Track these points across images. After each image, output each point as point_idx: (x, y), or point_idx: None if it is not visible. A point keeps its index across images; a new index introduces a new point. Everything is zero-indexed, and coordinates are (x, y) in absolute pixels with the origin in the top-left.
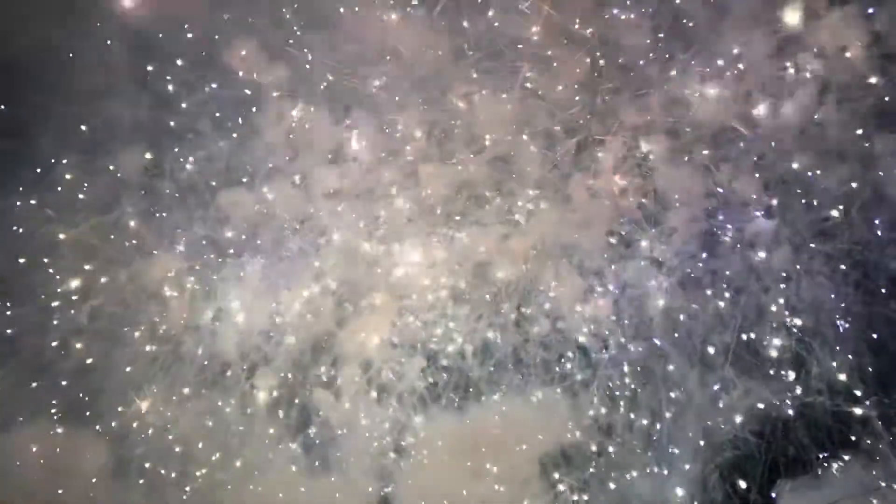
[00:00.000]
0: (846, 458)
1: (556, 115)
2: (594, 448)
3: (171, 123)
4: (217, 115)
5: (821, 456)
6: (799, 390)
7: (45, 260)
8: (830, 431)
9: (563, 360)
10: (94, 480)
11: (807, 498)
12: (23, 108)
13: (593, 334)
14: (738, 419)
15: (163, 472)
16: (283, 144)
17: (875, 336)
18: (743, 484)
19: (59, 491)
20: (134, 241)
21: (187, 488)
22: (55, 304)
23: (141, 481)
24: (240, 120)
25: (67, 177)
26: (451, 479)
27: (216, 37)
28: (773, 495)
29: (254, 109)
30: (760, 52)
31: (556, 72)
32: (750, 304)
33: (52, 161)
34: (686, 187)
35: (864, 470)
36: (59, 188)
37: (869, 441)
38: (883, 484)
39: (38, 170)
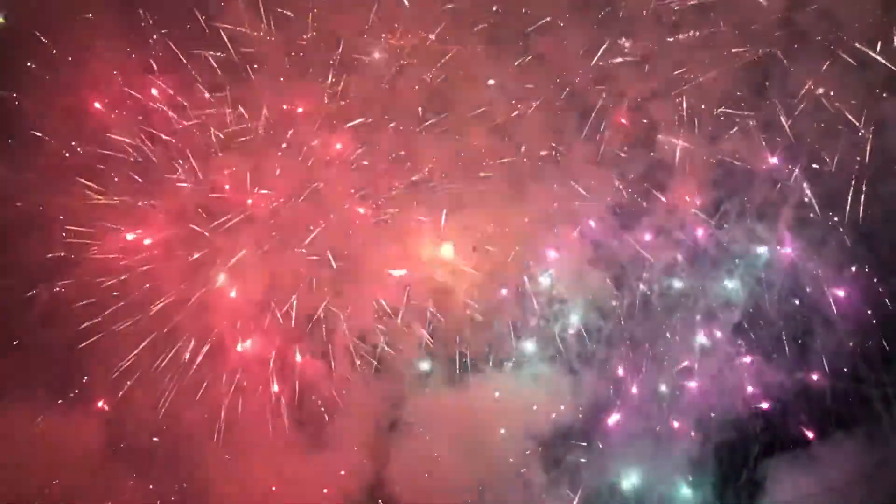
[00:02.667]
0: (844, 439)
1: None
2: (592, 424)
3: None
4: (210, 78)
5: (818, 436)
6: (799, 369)
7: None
8: (829, 412)
9: (563, 335)
10: (82, 458)
11: (802, 479)
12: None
13: (594, 308)
14: (737, 398)
15: (152, 448)
16: (277, 109)
17: (879, 313)
18: (737, 463)
19: (48, 470)
20: (121, 209)
21: (177, 465)
22: (38, 276)
23: (130, 458)
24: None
25: (50, 142)
26: (448, 455)
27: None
28: (767, 476)
29: (248, 73)
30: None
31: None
32: (752, 279)
33: (34, 126)
34: (690, 157)
35: (862, 452)
36: (42, 153)
37: (868, 422)
38: None
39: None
